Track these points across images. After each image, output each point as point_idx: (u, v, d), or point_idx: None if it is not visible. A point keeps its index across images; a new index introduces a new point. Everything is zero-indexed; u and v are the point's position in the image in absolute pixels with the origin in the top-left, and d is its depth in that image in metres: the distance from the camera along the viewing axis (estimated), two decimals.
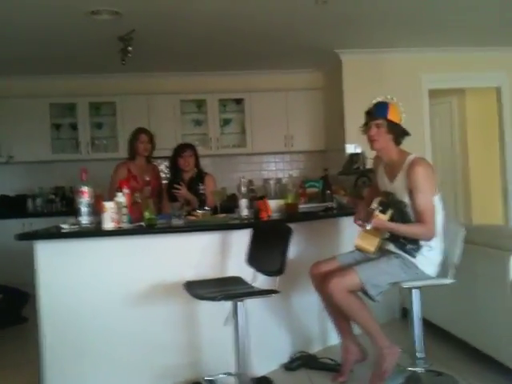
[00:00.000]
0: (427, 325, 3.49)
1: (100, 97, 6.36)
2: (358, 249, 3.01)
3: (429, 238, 2.81)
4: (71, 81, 6.32)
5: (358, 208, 3.14)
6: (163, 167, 5.79)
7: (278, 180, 6.41)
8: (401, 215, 2.84)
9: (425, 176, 2.80)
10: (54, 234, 3.05)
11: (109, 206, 3.10)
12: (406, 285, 2.88)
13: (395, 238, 2.90)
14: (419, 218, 2.78)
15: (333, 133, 6.30)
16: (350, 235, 3.14)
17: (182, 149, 4.39)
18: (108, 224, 3.05)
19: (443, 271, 2.90)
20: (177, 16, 4.46)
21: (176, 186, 4.20)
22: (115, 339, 3.06)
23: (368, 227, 2.83)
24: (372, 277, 2.82)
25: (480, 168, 6.53)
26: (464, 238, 2.91)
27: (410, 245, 2.85)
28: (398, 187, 2.89)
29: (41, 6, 4.06)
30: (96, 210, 3.19)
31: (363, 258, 3.01)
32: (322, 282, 2.98)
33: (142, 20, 4.51)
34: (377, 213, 2.83)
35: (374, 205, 2.87)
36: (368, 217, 2.84)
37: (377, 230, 2.89)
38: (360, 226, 2.93)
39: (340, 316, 3.06)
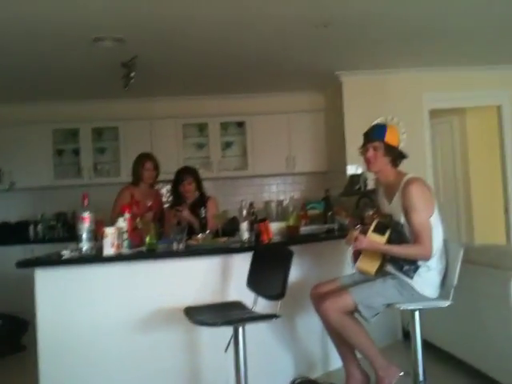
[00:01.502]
0: (429, 346, 3.46)
1: (103, 122, 6.40)
2: (359, 270, 3.00)
3: (426, 258, 2.79)
4: (74, 106, 6.37)
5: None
6: (165, 191, 5.80)
7: (280, 202, 6.40)
8: (398, 236, 2.83)
9: (419, 195, 2.79)
10: (54, 261, 3.06)
11: (109, 231, 3.10)
12: (400, 306, 2.86)
13: (393, 259, 2.89)
14: (415, 238, 2.77)
15: (334, 154, 6.31)
16: None
17: (182, 175, 4.37)
18: (108, 250, 3.05)
19: (445, 293, 2.86)
20: (178, 42, 4.51)
21: (177, 208, 4.20)
22: (114, 366, 3.05)
23: (350, 248, 2.83)
24: (366, 298, 2.81)
25: (482, 187, 6.48)
26: (466, 257, 2.89)
27: (408, 265, 2.84)
28: (395, 208, 2.89)
29: (44, 33, 4.11)
30: (97, 236, 3.19)
31: (363, 279, 3.00)
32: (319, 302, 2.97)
33: (145, 46, 4.56)
34: (365, 233, 2.83)
35: (357, 226, 2.88)
36: (351, 238, 2.84)
37: (375, 252, 2.88)
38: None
39: (341, 339, 3.03)
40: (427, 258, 2.78)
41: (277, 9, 3.89)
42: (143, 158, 4.47)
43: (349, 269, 3.36)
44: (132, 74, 4.90)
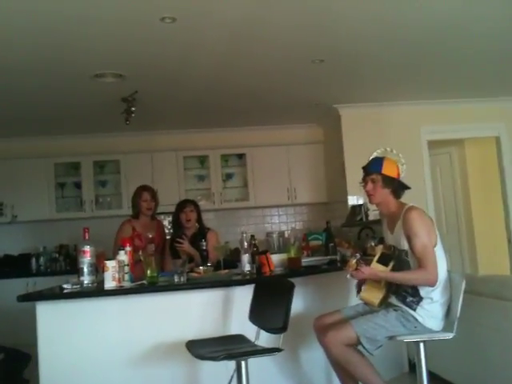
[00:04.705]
0: (435, 378, 3.40)
1: (104, 155, 6.46)
2: (363, 301, 2.99)
3: (430, 283, 2.76)
4: (75, 140, 6.43)
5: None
6: (166, 223, 5.81)
7: (281, 233, 6.40)
8: (401, 268, 2.83)
9: (419, 220, 2.80)
10: (55, 295, 3.06)
11: (110, 264, 3.10)
12: (402, 338, 2.83)
13: (397, 291, 2.88)
14: (418, 263, 2.76)
15: (335, 185, 6.34)
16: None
17: (183, 204, 4.41)
18: (109, 283, 3.04)
19: (449, 325, 2.84)
20: (177, 77, 4.59)
21: (178, 239, 4.20)
22: None
23: (348, 276, 2.84)
24: (367, 330, 2.78)
25: (483, 217, 6.49)
26: (470, 288, 2.87)
27: (411, 297, 2.83)
28: (398, 236, 2.90)
29: (46, 70, 4.19)
30: (98, 269, 3.19)
31: (367, 310, 2.98)
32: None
33: (145, 82, 4.64)
34: (368, 264, 2.83)
35: (356, 254, 2.88)
36: (349, 266, 2.84)
37: (379, 283, 2.87)
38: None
39: (345, 372, 2.99)
40: (432, 282, 2.75)
41: (273, 46, 3.97)
42: (140, 190, 4.50)
43: (352, 300, 3.34)
44: (133, 109, 4.98)
